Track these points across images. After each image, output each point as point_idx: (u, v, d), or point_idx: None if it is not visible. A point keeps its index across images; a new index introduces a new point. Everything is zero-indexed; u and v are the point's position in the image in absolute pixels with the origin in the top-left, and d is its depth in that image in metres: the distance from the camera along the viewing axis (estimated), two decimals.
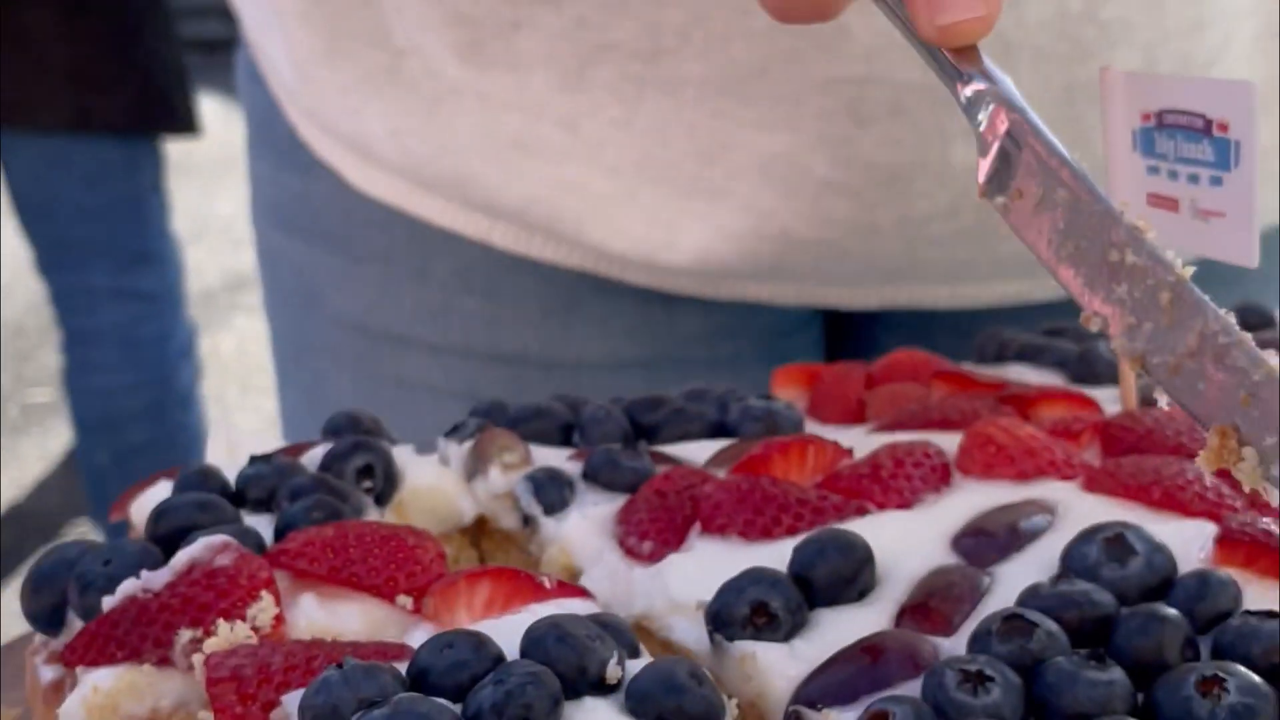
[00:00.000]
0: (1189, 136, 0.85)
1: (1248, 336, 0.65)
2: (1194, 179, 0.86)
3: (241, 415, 4.71)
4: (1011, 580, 0.78)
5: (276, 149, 1.53)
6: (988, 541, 0.82)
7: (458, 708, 0.67)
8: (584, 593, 0.81)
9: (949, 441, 0.94)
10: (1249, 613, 0.72)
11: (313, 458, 0.95)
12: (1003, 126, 0.75)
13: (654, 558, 0.85)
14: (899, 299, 1.37)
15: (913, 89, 1.17)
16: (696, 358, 1.43)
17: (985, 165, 0.76)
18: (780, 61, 1.19)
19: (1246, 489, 0.65)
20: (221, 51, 1.83)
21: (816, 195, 1.26)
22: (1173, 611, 0.72)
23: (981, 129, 0.76)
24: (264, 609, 0.76)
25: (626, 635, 0.74)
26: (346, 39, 1.36)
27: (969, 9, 0.75)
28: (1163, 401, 0.68)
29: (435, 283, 1.45)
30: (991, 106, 0.75)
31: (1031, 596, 0.74)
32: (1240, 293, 1.35)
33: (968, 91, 0.76)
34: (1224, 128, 0.82)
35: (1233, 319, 0.65)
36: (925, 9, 0.75)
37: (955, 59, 0.76)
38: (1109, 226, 0.69)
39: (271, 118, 1.52)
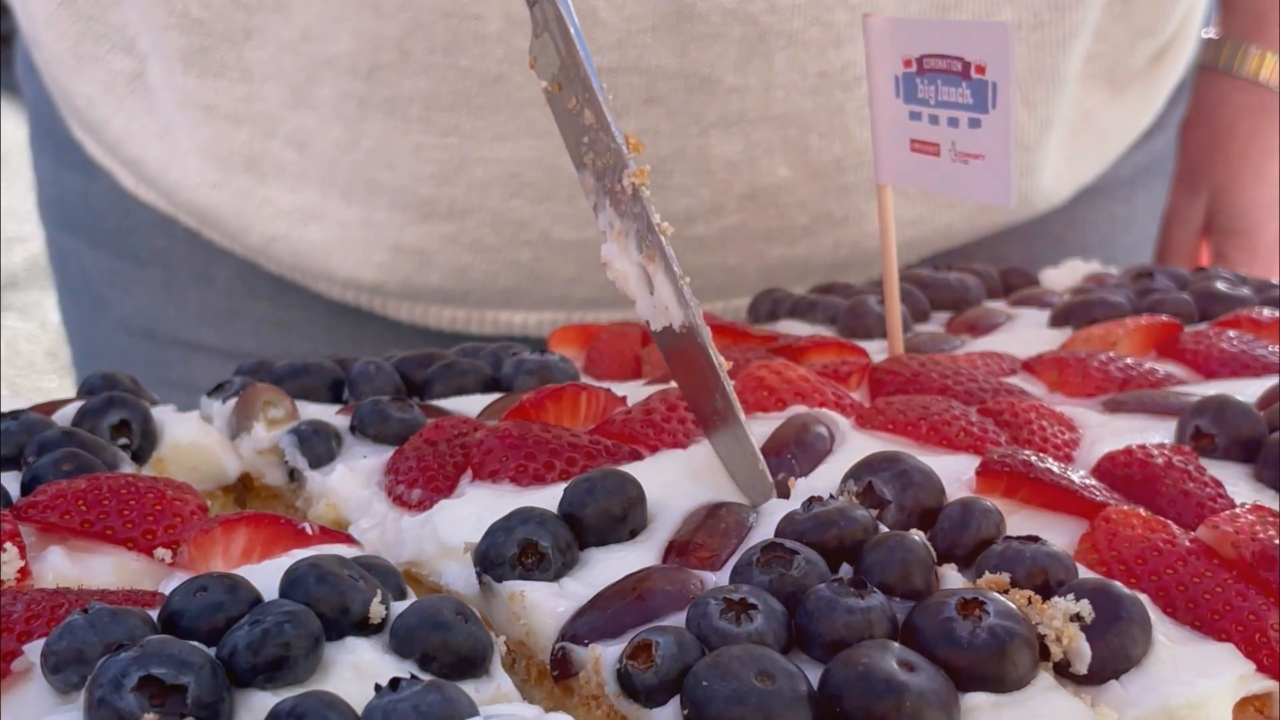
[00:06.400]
0: (949, 80, 0.86)
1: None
2: (954, 122, 0.87)
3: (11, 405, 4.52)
4: (778, 513, 0.78)
5: (57, 145, 1.48)
6: None
7: (212, 651, 0.64)
8: (348, 539, 0.79)
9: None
10: (1011, 538, 0.74)
11: (66, 414, 0.91)
12: (552, 25, 0.79)
13: (423, 506, 0.83)
14: None
15: (666, 75, 1.16)
16: None
17: (533, 43, 0.80)
18: (519, 63, 1.15)
19: None
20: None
21: (572, 195, 1.24)
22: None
23: (532, 10, 0.79)
24: (7, 561, 0.72)
25: (392, 576, 0.72)
26: (91, 43, 1.31)
27: None
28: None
29: (219, 287, 1.41)
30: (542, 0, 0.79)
31: (789, 523, 0.74)
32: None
33: None
34: (981, 70, 0.84)
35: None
36: None
37: None
38: (619, 167, 0.79)
39: (51, 113, 1.47)
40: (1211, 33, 1.60)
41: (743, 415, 0.80)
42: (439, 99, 1.18)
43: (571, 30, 0.78)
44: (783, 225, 1.29)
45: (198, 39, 1.22)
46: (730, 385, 0.80)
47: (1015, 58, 1.26)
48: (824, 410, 0.89)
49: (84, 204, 1.47)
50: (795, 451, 0.84)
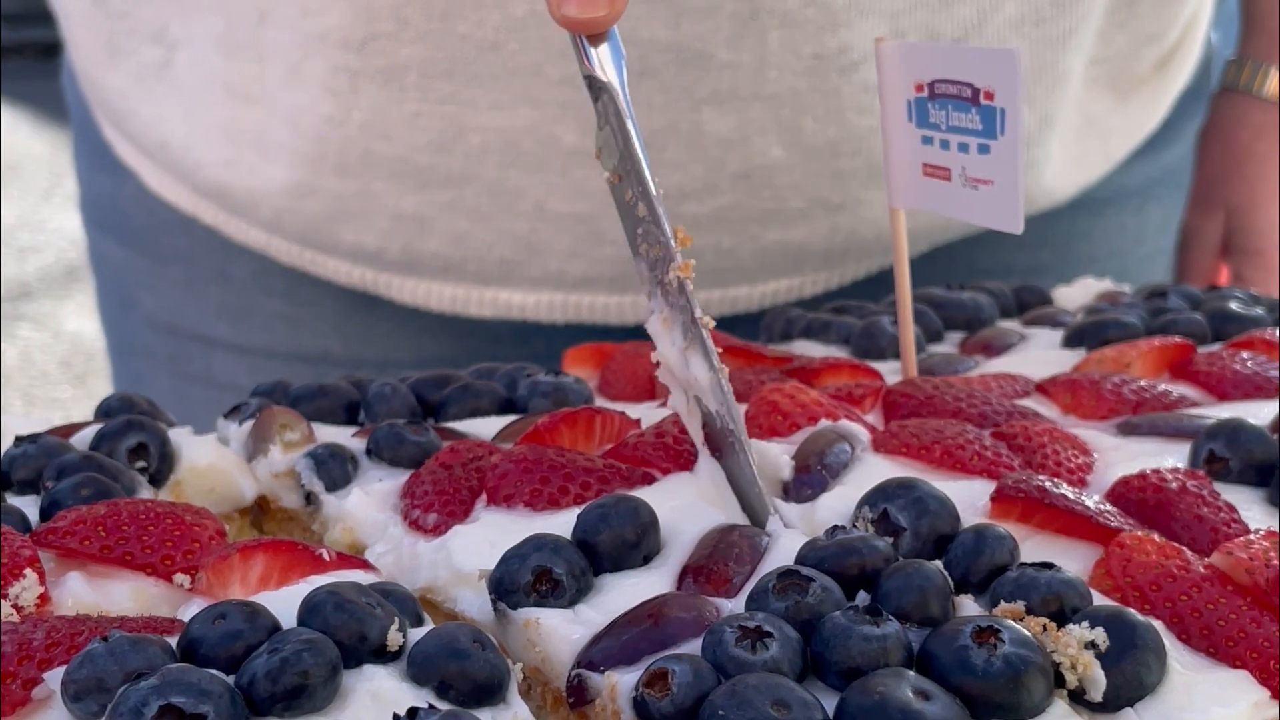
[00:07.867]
0: (959, 106, 0.87)
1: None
2: (964, 148, 0.88)
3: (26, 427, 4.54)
4: (792, 539, 0.78)
5: (92, 149, 1.52)
6: None
7: (231, 679, 0.64)
8: (365, 564, 0.79)
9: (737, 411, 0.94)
10: (1025, 565, 0.74)
11: (83, 438, 0.92)
12: (612, 120, 0.83)
13: (438, 530, 0.84)
14: None
15: (658, 48, 1.17)
16: (505, 356, 1.42)
17: (597, 135, 0.85)
18: (515, 31, 1.17)
19: None
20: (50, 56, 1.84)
21: (566, 166, 1.25)
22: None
23: (595, 105, 0.84)
24: (27, 588, 0.73)
25: (409, 603, 0.73)
26: (125, 36, 1.35)
27: (590, 7, 0.81)
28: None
29: (235, 285, 1.44)
30: (605, 96, 0.83)
31: (810, 550, 0.74)
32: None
33: (586, 72, 0.83)
34: (990, 96, 0.85)
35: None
36: None
37: (587, 38, 0.83)
38: (667, 260, 0.83)
39: (88, 117, 1.51)
40: (1232, 54, 1.60)
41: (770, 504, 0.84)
42: (435, 66, 1.20)
43: (630, 127, 0.82)
44: (777, 208, 1.29)
45: (224, 21, 1.26)
46: (766, 495, 0.84)
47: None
48: (844, 423, 0.89)
49: (114, 204, 1.52)
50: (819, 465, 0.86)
